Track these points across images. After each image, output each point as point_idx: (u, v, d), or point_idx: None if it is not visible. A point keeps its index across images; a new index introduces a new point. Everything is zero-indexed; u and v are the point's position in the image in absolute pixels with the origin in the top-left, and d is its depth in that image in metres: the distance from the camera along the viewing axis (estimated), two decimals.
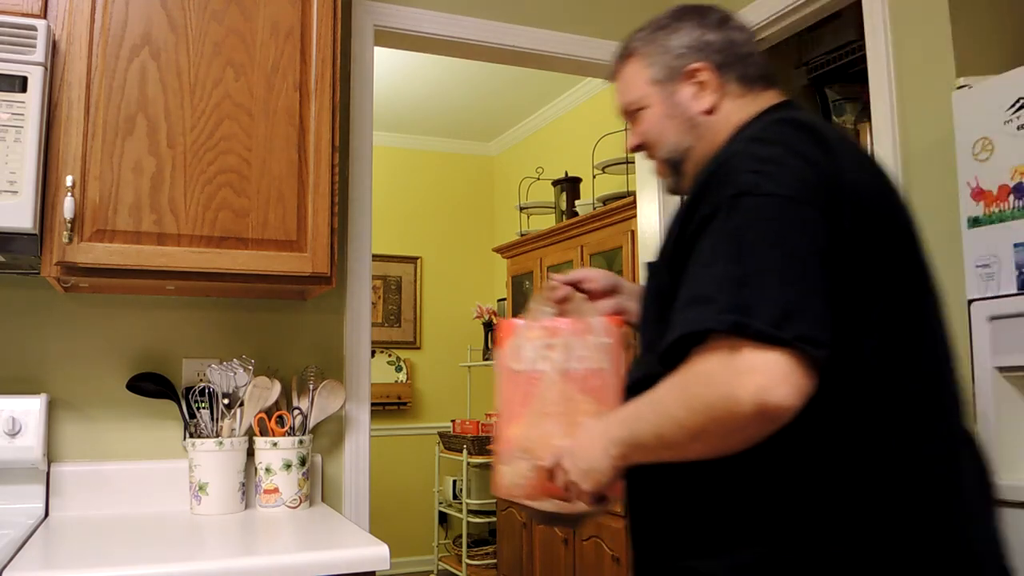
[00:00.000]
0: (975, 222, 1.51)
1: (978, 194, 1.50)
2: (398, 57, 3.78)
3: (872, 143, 2.30)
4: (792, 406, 0.83)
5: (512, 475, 1.20)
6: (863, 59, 2.04)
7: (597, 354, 1.23)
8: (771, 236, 0.88)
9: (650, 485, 1.04)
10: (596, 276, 1.33)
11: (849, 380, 0.90)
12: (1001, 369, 1.46)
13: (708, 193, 0.95)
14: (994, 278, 1.47)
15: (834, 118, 2.66)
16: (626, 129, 1.25)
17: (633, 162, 3.04)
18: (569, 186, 3.86)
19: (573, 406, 1.21)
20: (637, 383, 1.05)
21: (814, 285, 0.87)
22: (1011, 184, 1.44)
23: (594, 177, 3.73)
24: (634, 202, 2.80)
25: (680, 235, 0.98)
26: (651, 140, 1.19)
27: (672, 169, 1.19)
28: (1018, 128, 1.44)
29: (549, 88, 4.27)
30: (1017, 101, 1.45)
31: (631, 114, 1.22)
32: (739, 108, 1.14)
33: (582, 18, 2.46)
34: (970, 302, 1.51)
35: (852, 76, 2.65)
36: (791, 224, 0.89)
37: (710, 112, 1.14)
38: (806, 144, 0.96)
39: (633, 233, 2.97)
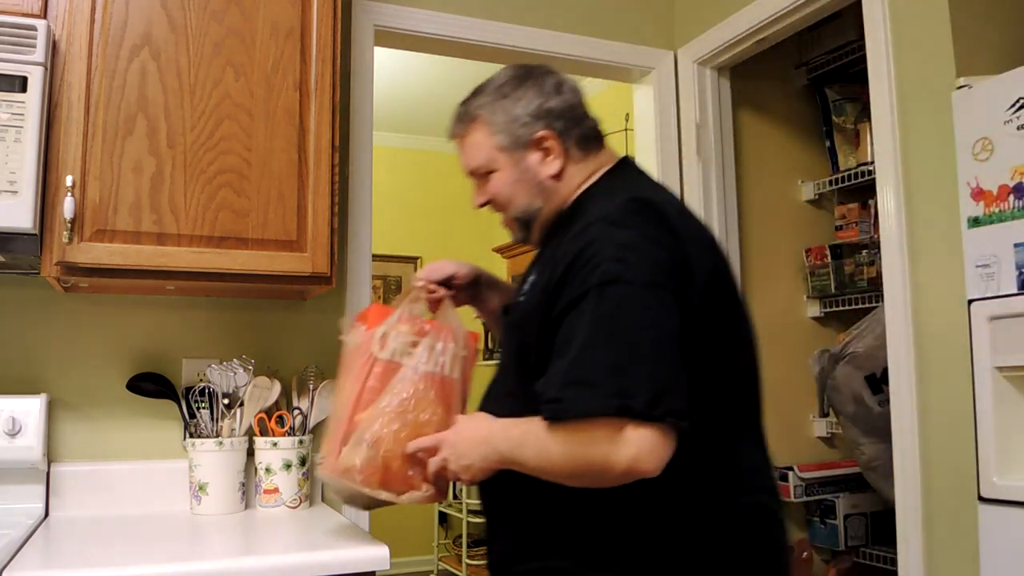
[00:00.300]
0: (975, 222, 1.51)
1: (978, 194, 1.50)
2: (398, 57, 3.78)
3: (872, 143, 2.30)
4: (655, 472, 1.01)
5: (350, 456, 1.24)
6: (863, 59, 2.04)
7: (454, 364, 1.32)
8: (638, 322, 1.04)
9: (509, 494, 1.20)
10: (462, 271, 1.40)
11: (691, 431, 1.05)
12: (1001, 369, 1.46)
13: (574, 275, 1.09)
14: (994, 278, 1.47)
15: (834, 118, 2.66)
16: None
17: None
18: None
19: (422, 408, 1.28)
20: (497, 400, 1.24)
21: (676, 363, 1.04)
22: (1011, 184, 1.44)
23: None
24: None
25: (546, 306, 1.12)
26: (502, 201, 1.29)
27: (522, 226, 1.31)
28: (1018, 128, 1.44)
29: None
30: (1017, 101, 1.45)
31: (479, 176, 1.31)
32: (580, 171, 1.28)
33: (582, 18, 2.46)
34: (970, 302, 1.51)
35: (852, 76, 2.65)
36: (653, 309, 1.05)
37: (557, 177, 1.27)
38: (658, 229, 1.11)
39: None
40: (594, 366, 1.03)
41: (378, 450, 1.24)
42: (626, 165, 1.30)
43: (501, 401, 1.25)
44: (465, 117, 1.32)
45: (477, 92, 1.32)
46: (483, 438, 1.18)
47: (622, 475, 1.02)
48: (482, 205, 1.33)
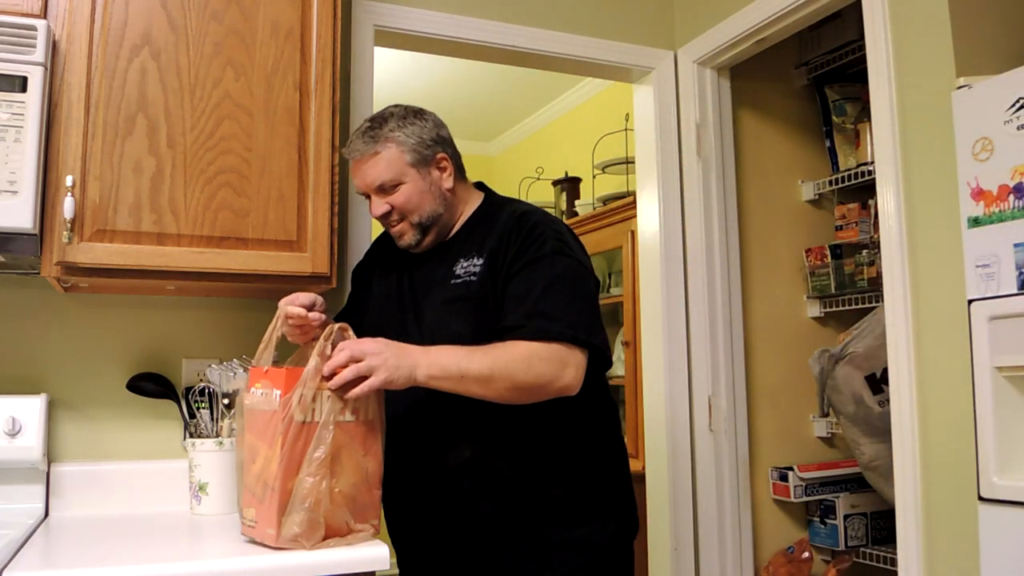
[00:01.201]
0: (975, 222, 1.51)
1: (978, 194, 1.50)
2: (398, 57, 3.78)
3: (872, 143, 2.30)
4: (576, 391, 1.45)
5: (291, 527, 1.29)
6: (863, 59, 2.04)
7: (368, 405, 1.40)
8: (580, 282, 1.50)
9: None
10: (309, 300, 1.51)
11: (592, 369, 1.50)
12: (1001, 369, 1.46)
13: (526, 247, 1.50)
14: (994, 278, 1.47)
15: (834, 118, 2.66)
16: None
17: (633, 162, 3.04)
18: (569, 186, 3.86)
19: (349, 457, 1.35)
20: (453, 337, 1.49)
21: (599, 315, 1.51)
22: (1011, 184, 1.44)
23: (594, 177, 3.73)
24: (634, 202, 2.80)
25: (497, 272, 1.50)
26: (410, 208, 1.57)
27: (420, 230, 1.59)
28: (1018, 128, 1.44)
29: (549, 88, 4.27)
30: (1017, 101, 1.45)
31: (387, 188, 1.56)
32: (465, 188, 1.67)
33: (582, 18, 2.46)
34: (970, 302, 1.51)
35: (852, 76, 2.65)
36: (586, 277, 1.52)
37: (451, 191, 1.61)
38: (570, 229, 1.60)
39: (633, 233, 2.97)
40: (553, 305, 1.44)
41: (318, 511, 1.30)
42: (490, 189, 1.73)
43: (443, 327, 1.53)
44: (378, 138, 1.56)
45: (381, 121, 1.58)
46: (419, 355, 1.38)
47: (559, 391, 1.43)
48: (384, 214, 1.58)
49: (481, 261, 1.54)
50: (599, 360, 1.51)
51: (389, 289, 1.68)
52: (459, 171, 1.65)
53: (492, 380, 1.39)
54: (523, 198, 4.50)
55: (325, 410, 1.34)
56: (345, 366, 1.34)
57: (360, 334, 1.60)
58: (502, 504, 1.50)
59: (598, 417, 1.60)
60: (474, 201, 1.67)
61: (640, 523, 1.72)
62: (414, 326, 1.59)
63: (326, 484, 1.31)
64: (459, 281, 1.54)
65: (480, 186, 1.73)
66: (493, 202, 1.68)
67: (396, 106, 1.63)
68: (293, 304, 1.47)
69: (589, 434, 1.57)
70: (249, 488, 1.35)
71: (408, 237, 1.60)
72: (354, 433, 1.37)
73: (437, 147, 1.59)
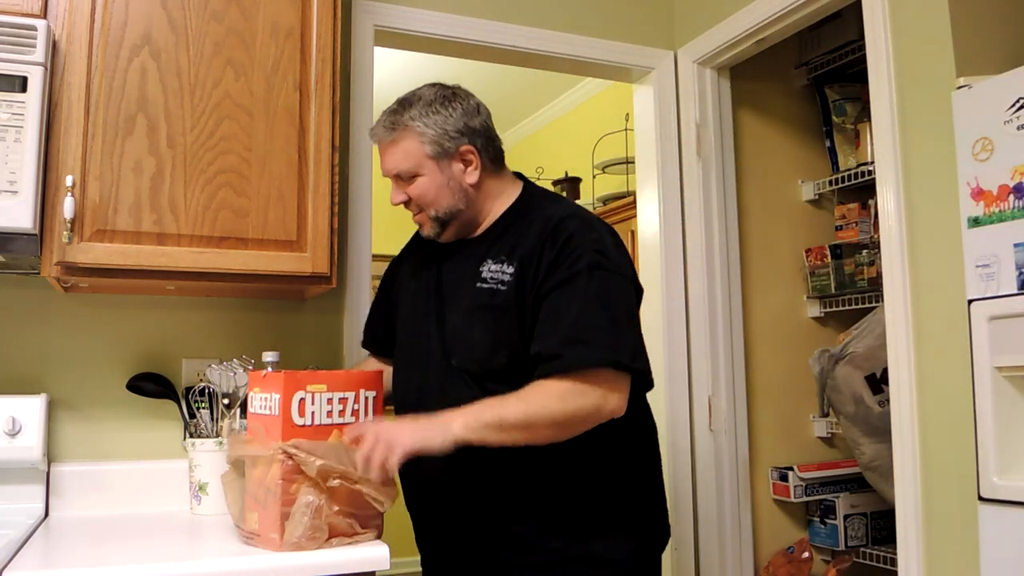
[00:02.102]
0: (975, 222, 1.51)
1: (978, 194, 1.50)
2: (398, 57, 3.78)
3: (872, 143, 2.30)
4: (622, 413, 1.38)
5: (293, 532, 1.28)
6: (863, 59, 2.04)
7: (366, 408, 1.40)
8: (618, 299, 1.40)
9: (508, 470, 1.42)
10: None
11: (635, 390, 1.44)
12: (1001, 369, 1.46)
13: (561, 261, 1.39)
14: (994, 278, 1.47)
15: (834, 118, 2.66)
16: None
17: (633, 162, 3.04)
18: (569, 186, 3.86)
19: (351, 462, 1.32)
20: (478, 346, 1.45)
21: (640, 332, 1.43)
22: (1011, 184, 1.44)
23: (594, 177, 3.73)
24: (634, 202, 2.80)
25: (528, 287, 1.41)
26: (426, 201, 1.50)
27: (439, 224, 1.52)
28: (1018, 128, 1.44)
29: (549, 88, 4.26)
30: (1017, 101, 1.45)
31: (405, 178, 1.50)
32: (495, 183, 1.55)
33: (582, 18, 2.46)
34: (970, 302, 1.51)
35: (852, 76, 2.65)
36: (626, 292, 1.43)
37: (475, 186, 1.51)
38: (614, 237, 1.48)
39: (633, 233, 2.97)
40: (589, 329, 1.34)
41: (320, 516, 1.30)
42: (530, 182, 1.62)
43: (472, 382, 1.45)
44: (397, 125, 1.48)
45: (407, 105, 1.50)
46: (450, 415, 1.32)
47: (606, 417, 1.36)
48: (403, 203, 1.53)
49: (512, 269, 1.44)
50: (640, 382, 1.43)
51: (419, 285, 1.61)
52: (494, 162, 1.54)
53: (532, 425, 1.33)
54: None
55: (324, 413, 1.34)
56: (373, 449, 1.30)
57: (388, 332, 1.66)
58: (520, 521, 1.44)
59: (633, 437, 1.51)
60: (511, 193, 1.56)
61: None
62: (435, 329, 1.52)
63: (331, 487, 1.31)
64: (486, 287, 1.46)
65: (519, 176, 1.63)
66: (531, 199, 1.56)
67: (430, 87, 1.53)
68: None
69: (620, 454, 1.48)
70: (251, 493, 1.35)
71: (427, 228, 1.54)
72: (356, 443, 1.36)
73: (463, 139, 1.49)
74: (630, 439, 1.50)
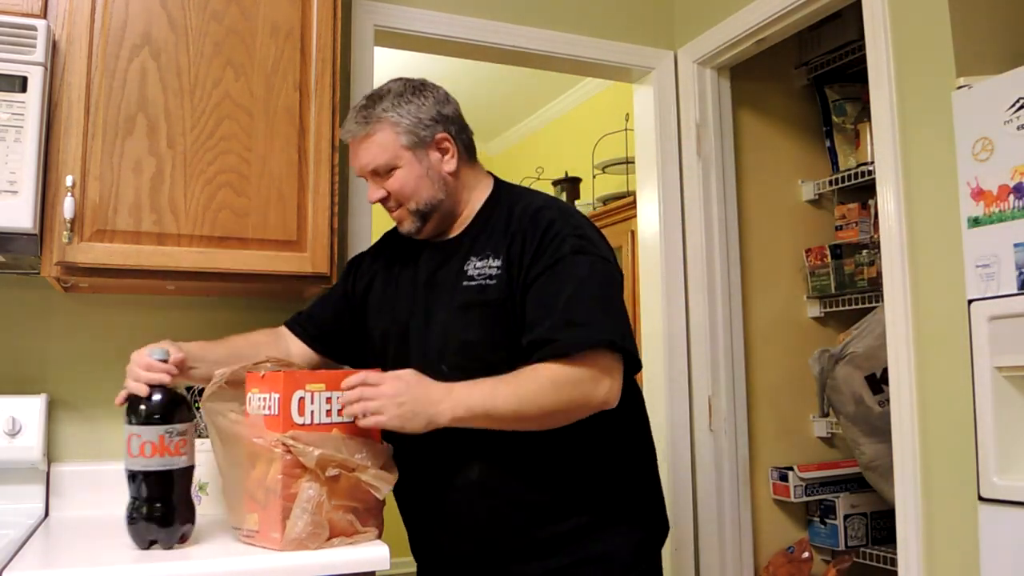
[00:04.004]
0: (975, 222, 1.51)
1: (978, 194, 1.50)
2: (398, 57, 3.78)
3: (872, 143, 2.30)
4: (615, 403, 1.36)
5: (293, 529, 1.28)
6: (863, 59, 2.04)
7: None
8: (604, 282, 1.38)
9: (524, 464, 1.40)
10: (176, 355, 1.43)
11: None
12: (1001, 369, 1.46)
13: (544, 248, 1.38)
14: (994, 278, 1.47)
15: (834, 118, 2.66)
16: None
17: (633, 162, 3.04)
18: (569, 186, 3.86)
19: (349, 457, 1.33)
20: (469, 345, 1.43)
21: (626, 313, 1.40)
22: (1011, 184, 1.44)
23: (594, 177, 3.73)
24: (634, 202, 2.80)
25: (514, 276, 1.39)
26: (407, 193, 1.46)
27: (419, 218, 1.48)
28: (1018, 128, 1.44)
29: (549, 88, 4.26)
30: (1017, 101, 1.45)
31: (382, 173, 1.47)
32: (472, 173, 1.53)
33: (582, 18, 2.46)
34: (970, 302, 1.51)
35: (852, 76, 2.65)
36: (611, 275, 1.41)
37: (454, 175, 1.49)
38: (591, 223, 1.48)
39: (633, 233, 2.97)
40: (581, 311, 1.33)
41: (321, 514, 1.29)
42: (498, 177, 1.59)
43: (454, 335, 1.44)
44: (370, 119, 1.45)
45: (376, 99, 1.47)
46: (440, 397, 1.30)
47: (598, 406, 1.34)
48: (381, 199, 1.49)
49: (499, 262, 1.42)
50: (629, 364, 1.41)
51: (396, 286, 1.56)
52: (467, 151, 1.52)
53: (522, 415, 1.31)
54: None
55: (323, 412, 1.34)
56: (356, 399, 1.30)
57: (330, 332, 1.62)
58: (516, 527, 1.42)
59: (628, 428, 1.49)
60: (483, 188, 1.54)
61: None
62: (421, 330, 1.48)
63: (331, 484, 1.31)
64: (473, 284, 1.43)
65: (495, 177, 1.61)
66: (504, 192, 1.54)
67: (396, 80, 1.50)
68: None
69: (613, 443, 1.46)
70: (250, 494, 1.35)
71: (407, 224, 1.51)
72: (354, 433, 1.36)
73: (437, 127, 1.46)
74: (625, 430, 1.49)
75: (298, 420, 1.31)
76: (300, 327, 1.65)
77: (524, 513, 1.41)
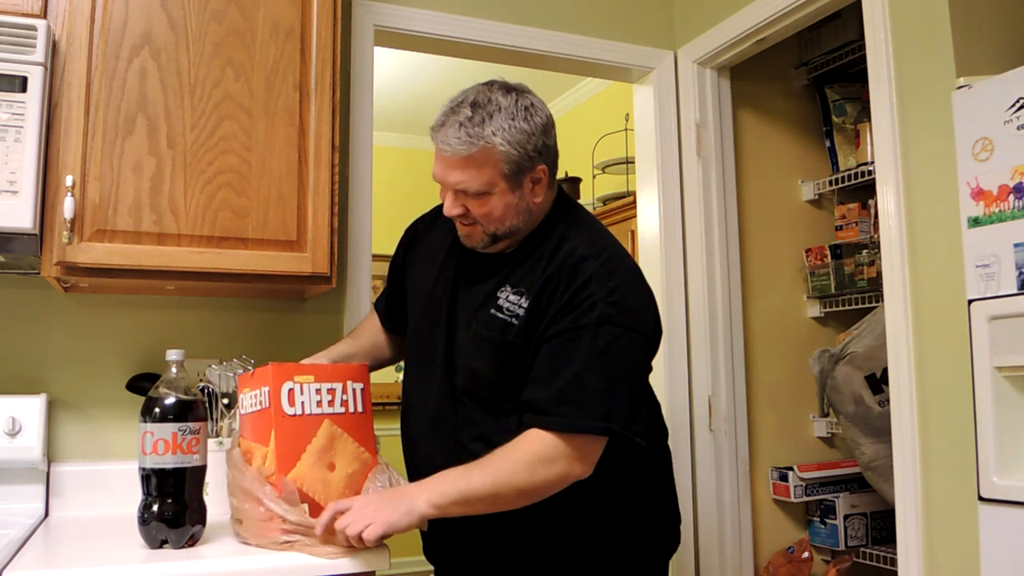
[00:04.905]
0: (975, 222, 1.51)
1: (978, 194, 1.50)
2: (398, 57, 3.78)
3: (872, 143, 2.30)
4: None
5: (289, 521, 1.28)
6: (863, 59, 2.04)
7: (355, 400, 1.41)
8: (623, 359, 1.31)
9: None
10: None
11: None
12: (1001, 369, 1.46)
13: (572, 307, 1.32)
14: (994, 278, 1.47)
15: (834, 118, 2.66)
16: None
17: (633, 162, 3.04)
18: (569, 186, 3.86)
19: (343, 449, 1.35)
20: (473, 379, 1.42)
21: (643, 393, 1.38)
22: (1011, 184, 1.44)
23: (594, 177, 3.73)
24: (634, 202, 2.80)
25: (534, 327, 1.35)
26: (490, 220, 1.38)
27: (492, 240, 1.41)
28: (1018, 128, 1.44)
29: (549, 88, 4.27)
30: (1017, 101, 1.45)
31: (470, 194, 1.37)
32: (548, 199, 1.45)
33: (582, 18, 2.46)
34: (970, 302, 1.51)
35: (852, 76, 2.65)
36: (634, 349, 1.34)
37: (538, 205, 1.42)
38: (637, 283, 1.40)
39: (633, 233, 2.97)
40: (582, 391, 1.28)
41: (317, 502, 1.30)
42: (560, 189, 1.51)
43: (473, 420, 1.41)
44: (476, 139, 1.33)
45: (486, 116, 1.34)
46: (411, 494, 1.29)
47: (573, 480, 1.30)
48: (459, 215, 1.40)
49: (527, 304, 1.36)
50: (657, 433, 1.47)
51: (433, 280, 1.52)
52: (552, 180, 1.44)
53: (498, 496, 1.28)
54: None
55: (314, 403, 1.34)
56: (331, 522, 1.27)
57: (399, 311, 1.64)
58: (522, 548, 1.43)
59: (651, 481, 1.51)
60: (544, 209, 1.46)
61: None
62: (442, 341, 1.46)
63: (323, 474, 1.31)
64: (500, 316, 1.38)
65: (570, 199, 1.54)
66: (561, 218, 1.46)
67: (507, 92, 1.37)
68: None
69: (634, 476, 1.46)
70: (248, 492, 1.35)
71: (475, 240, 1.43)
72: (345, 424, 1.37)
73: (539, 159, 1.37)
74: (648, 483, 1.49)
75: (289, 411, 1.31)
76: (382, 307, 1.73)
77: (539, 540, 1.41)
